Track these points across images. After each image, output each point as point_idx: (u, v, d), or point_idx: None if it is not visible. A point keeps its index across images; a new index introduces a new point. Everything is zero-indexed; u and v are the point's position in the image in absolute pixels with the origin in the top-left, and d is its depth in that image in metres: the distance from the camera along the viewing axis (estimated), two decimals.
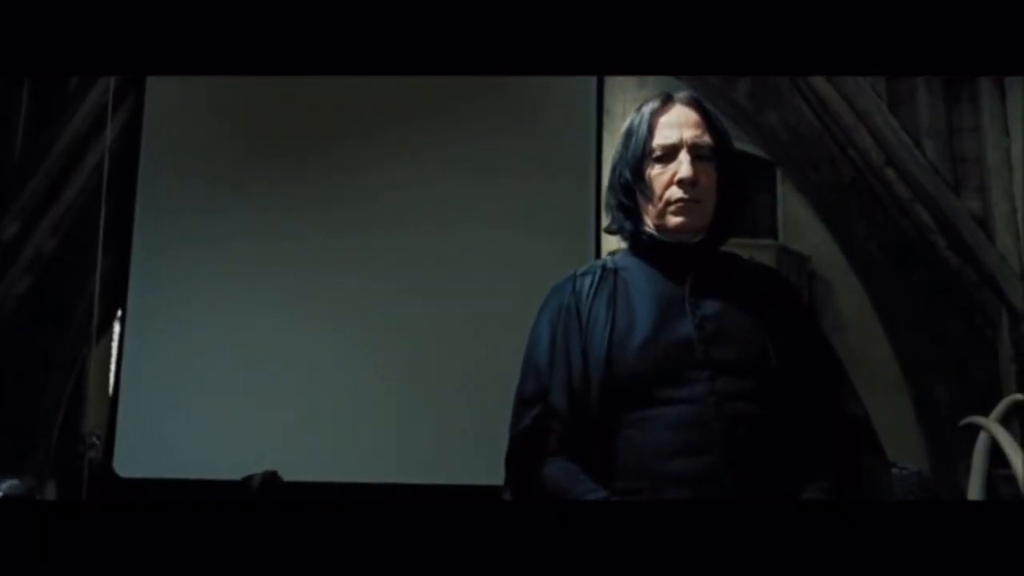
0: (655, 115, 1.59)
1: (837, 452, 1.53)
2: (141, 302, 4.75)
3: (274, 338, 4.56)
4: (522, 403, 1.59)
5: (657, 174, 1.56)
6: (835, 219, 5.15)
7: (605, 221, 1.72)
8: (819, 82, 4.96)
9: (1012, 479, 4.42)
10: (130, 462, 4.48)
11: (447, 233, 4.67)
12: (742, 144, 5.82)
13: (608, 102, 5.40)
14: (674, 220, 1.56)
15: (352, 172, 4.72)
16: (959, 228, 4.72)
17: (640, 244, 1.61)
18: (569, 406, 1.53)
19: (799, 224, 5.48)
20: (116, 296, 4.90)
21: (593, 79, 4.97)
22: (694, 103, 1.62)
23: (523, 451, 1.57)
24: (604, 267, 1.64)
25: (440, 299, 4.58)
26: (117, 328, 5.14)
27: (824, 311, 5.42)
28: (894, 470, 2.91)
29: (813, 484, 1.49)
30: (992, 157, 4.71)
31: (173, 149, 4.86)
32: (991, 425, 4.52)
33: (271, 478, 2.50)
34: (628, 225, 1.62)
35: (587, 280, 1.62)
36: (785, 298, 1.64)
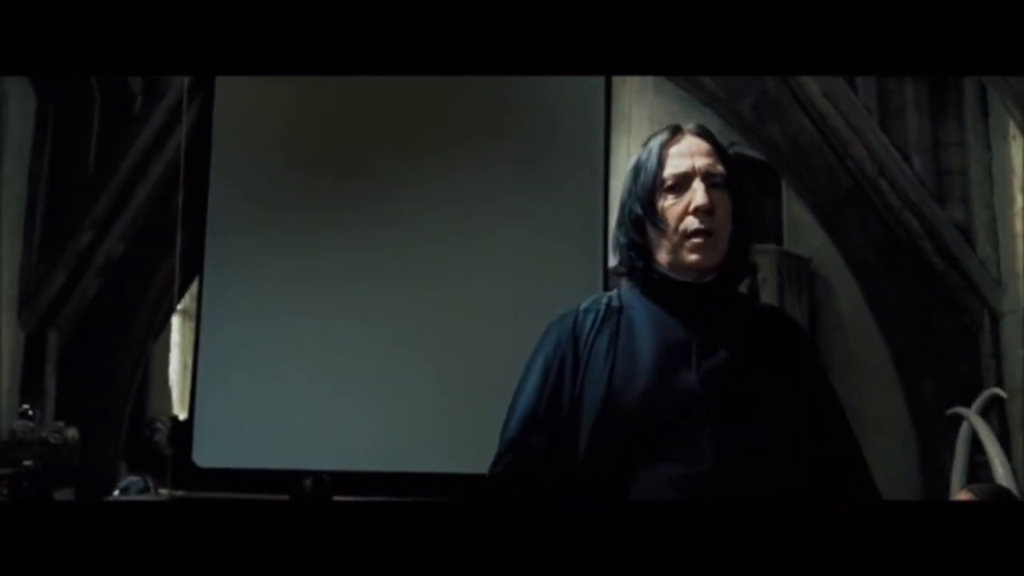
0: (664, 147, 1.55)
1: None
2: (215, 299, 5.21)
3: (341, 336, 5.01)
4: (502, 444, 1.55)
5: (670, 205, 1.51)
6: (833, 224, 5.50)
7: (612, 261, 1.64)
8: (818, 99, 5.31)
9: (988, 464, 4.82)
10: (208, 453, 4.93)
11: (480, 243, 5.19)
12: (748, 151, 6.18)
13: (623, 104, 5.82)
14: (690, 257, 1.50)
15: (399, 186, 5.21)
16: (944, 236, 5.05)
17: (651, 284, 1.55)
18: (553, 450, 1.49)
19: (800, 228, 5.83)
20: (186, 291, 5.45)
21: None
22: (704, 133, 1.57)
23: (497, 492, 1.53)
24: (609, 304, 1.58)
25: (482, 302, 5.05)
26: (178, 323, 5.63)
27: (824, 310, 5.79)
28: None
29: None
30: (975, 170, 5.05)
31: (239, 153, 5.33)
32: (971, 415, 4.91)
33: (320, 482, 2.82)
34: (639, 264, 1.55)
35: (589, 318, 1.56)
36: (794, 347, 1.57)
